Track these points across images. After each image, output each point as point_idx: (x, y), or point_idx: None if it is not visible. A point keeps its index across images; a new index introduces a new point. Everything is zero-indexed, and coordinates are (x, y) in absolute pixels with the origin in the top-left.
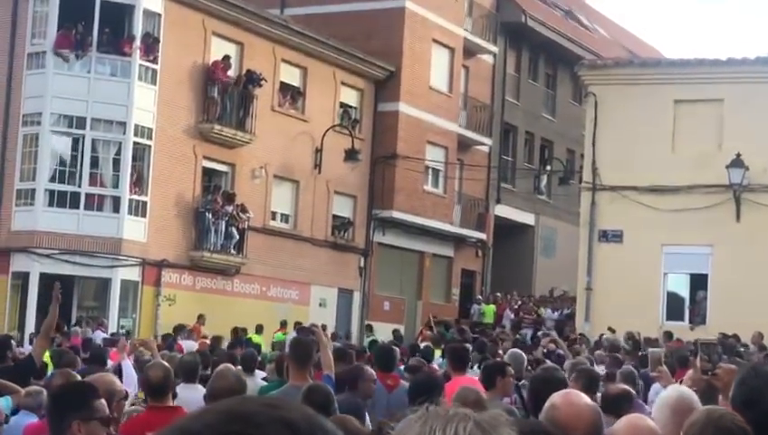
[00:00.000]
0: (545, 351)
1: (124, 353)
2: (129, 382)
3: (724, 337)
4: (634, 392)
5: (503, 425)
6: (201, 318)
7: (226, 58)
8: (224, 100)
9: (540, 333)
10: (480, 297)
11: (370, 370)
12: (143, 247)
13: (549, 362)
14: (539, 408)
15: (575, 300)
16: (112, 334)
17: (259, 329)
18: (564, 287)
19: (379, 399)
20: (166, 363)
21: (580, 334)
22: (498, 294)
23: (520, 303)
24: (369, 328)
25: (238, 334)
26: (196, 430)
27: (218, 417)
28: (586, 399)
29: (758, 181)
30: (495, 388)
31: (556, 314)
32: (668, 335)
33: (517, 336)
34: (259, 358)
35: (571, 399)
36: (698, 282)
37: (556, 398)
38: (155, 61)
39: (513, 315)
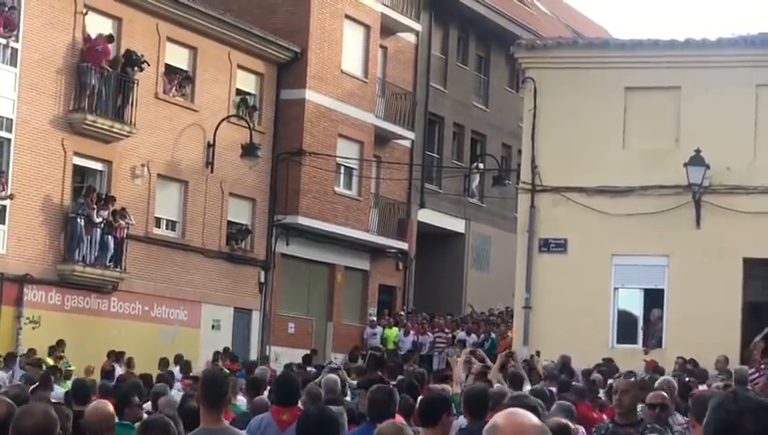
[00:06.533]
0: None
1: None
2: None
3: (683, 362)
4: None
5: None
6: (61, 345)
7: (101, 36)
8: (98, 85)
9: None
10: (374, 319)
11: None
12: (1, 260)
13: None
14: None
15: (502, 321)
16: None
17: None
18: (500, 305)
19: None
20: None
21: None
22: (408, 312)
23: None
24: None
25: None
26: None
27: None
28: (532, 418)
29: (721, 181)
30: (437, 426)
31: (472, 337)
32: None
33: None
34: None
35: (516, 418)
36: (653, 298)
37: (498, 418)
38: (15, 38)
39: (415, 339)
